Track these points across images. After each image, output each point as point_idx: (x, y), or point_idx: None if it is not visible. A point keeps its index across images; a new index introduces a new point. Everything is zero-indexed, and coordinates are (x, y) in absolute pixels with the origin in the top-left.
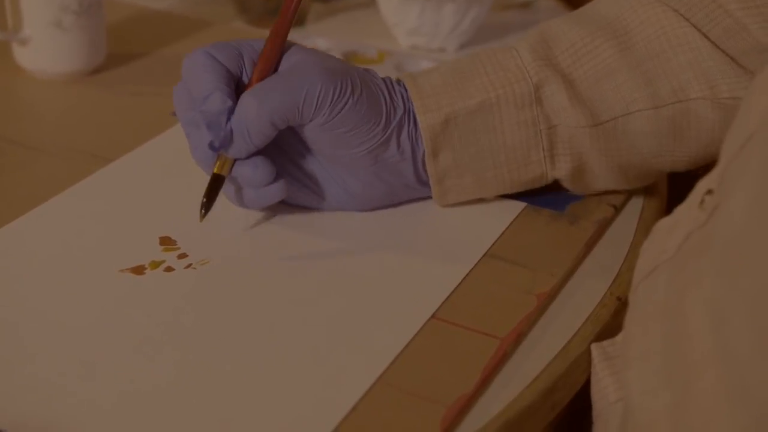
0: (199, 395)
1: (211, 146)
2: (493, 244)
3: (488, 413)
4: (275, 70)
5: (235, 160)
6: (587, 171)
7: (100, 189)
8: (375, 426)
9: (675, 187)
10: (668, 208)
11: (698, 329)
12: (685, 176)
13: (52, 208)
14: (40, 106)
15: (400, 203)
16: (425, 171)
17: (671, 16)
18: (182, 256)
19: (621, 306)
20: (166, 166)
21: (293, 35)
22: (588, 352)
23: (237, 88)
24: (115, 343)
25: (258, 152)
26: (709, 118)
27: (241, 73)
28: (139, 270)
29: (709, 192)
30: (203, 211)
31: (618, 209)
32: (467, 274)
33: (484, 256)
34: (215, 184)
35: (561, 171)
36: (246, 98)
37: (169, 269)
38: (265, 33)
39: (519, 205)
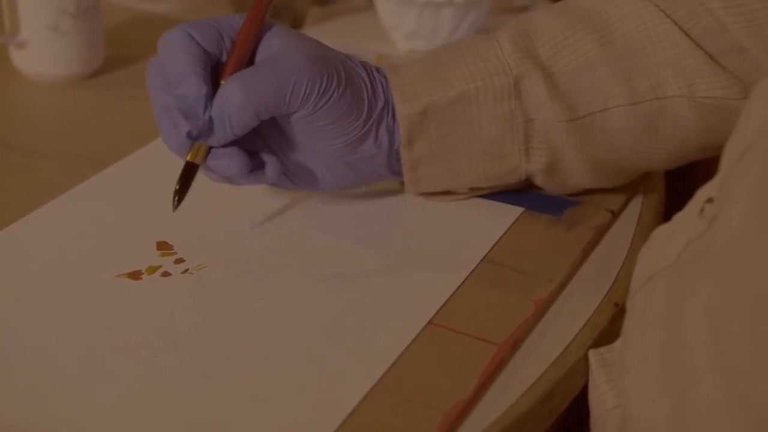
0: (196, 400)
1: (189, 135)
2: (491, 250)
3: (485, 419)
4: (254, 52)
5: (210, 148)
6: (562, 166)
7: (97, 193)
8: None
9: (673, 193)
10: (666, 214)
11: (696, 336)
12: (683, 182)
13: (48, 213)
14: (37, 110)
15: (398, 205)
16: (398, 161)
17: (653, 11)
18: (179, 261)
19: (619, 312)
20: (164, 170)
21: None
22: (586, 359)
23: (215, 69)
24: (113, 348)
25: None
26: (686, 116)
27: (221, 54)
28: (135, 275)
29: (710, 200)
30: (176, 200)
31: (616, 215)
32: (464, 280)
33: (481, 261)
34: (189, 173)
35: (536, 165)
36: (230, 86)
37: (165, 274)
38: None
39: (517, 211)
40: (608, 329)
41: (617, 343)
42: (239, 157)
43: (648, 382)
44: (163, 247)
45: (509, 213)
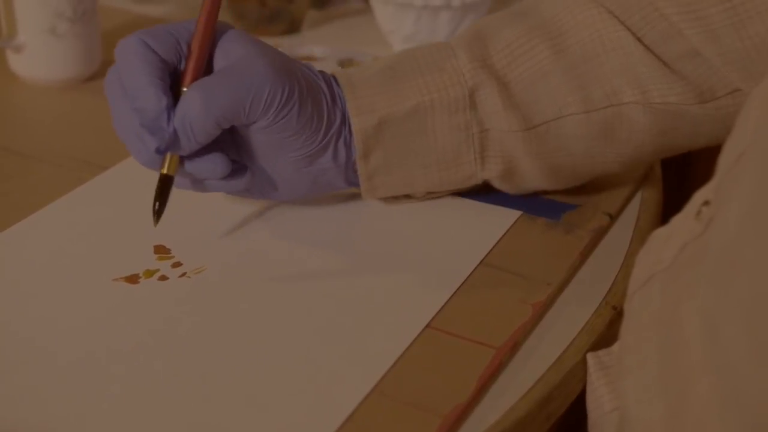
0: (194, 403)
1: (158, 151)
2: (489, 253)
3: (484, 423)
4: (210, 55)
5: (181, 157)
6: (518, 172)
7: (94, 197)
8: None
9: (671, 195)
10: (664, 217)
11: (693, 338)
12: (681, 185)
13: (46, 217)
14: (34, 114)
15: (396, 209)
16: (354, 173)
17: (606, 18)
18: (176, 264)
19: (617, 315)
20: None
21: (289, 42)
22: (584, 362)
23: (173, 76)
24: (110, 351)
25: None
26: (641, 121)
27: (179, 61)
28: (133, 279)
29: (706, 203)
30: (156, 216)
31: (614, 218)
32: (462, 283)
33: (479, 264)
34: (166, 185)
35: (491, 172)
36: (190, 94)
37: (163, 278)
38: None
39: (514, 214)
40: (606, 332)
41: (615, 346)
42: (222, 159)
43: (645, 384)
44: (161, 250)
45: (507, 216)
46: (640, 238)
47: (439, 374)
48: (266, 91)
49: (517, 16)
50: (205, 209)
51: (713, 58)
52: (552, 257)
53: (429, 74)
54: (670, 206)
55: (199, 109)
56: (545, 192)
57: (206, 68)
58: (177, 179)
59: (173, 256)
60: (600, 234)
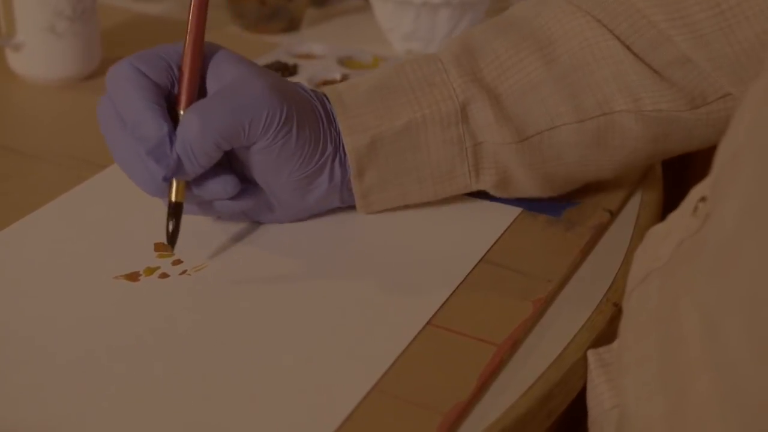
0: (194, 402)
1: (165, 179)
2: (489, 250)
3: (485, 421)
4: (202, 76)
5: (187, 182)
6: (512, 182)
7: (94, 195)
8: None
9: (671, 192)
10: (665, 213)
11: (691, 334)
12: (681, 181)
13: (46, 215)
14: (33, 112)
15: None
16: (349, 191)
17: (595, 27)
18: (177, 262)
19: (617, 312)
20: None
21: (289, 40)
22: (584, 359)
23: (168, 99)
24: (111, 349)
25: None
26: (633, 128)
27: (172, 84)
28: (133, 276)
29: (703, 199)
30: (172, 243)
31: (614, 215)
32: (463, 280)
33: (479, 261)
34: (177, 212)
35: (486, 183)
36: (188, 117)
37: (163, 276)
38: (260, 39)
39: (515, 211)
40: (607, 329)
41: (615, 344)
42: (231, 178)
43: (645, 382)
44: (161, 248)
45: (507, 213)
46: (640, 235)
47: (439, 372)
48: (265, 111)
49: (504, 27)
50: None
51: (703, 64)
52: (552, 254)
53: (419, 90)
54: (670, 203)
55: (198, 131)
56: None
57: (199, 90)
58: (185, 205)
59: (174, 254)
60: (600, 231)
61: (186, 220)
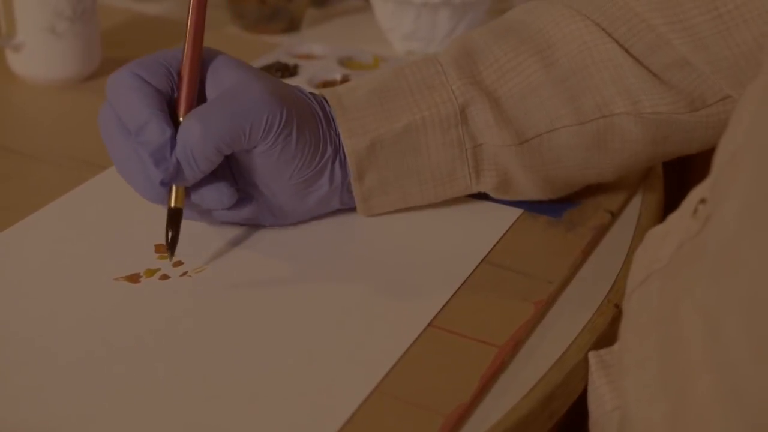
0: (195, 403)
1: (163, 183)
2: (490, 251)
3: (486, 422)
4: (201, 81)
5: (186, 188)
6: (512, 184)
7: (95, 196)
8: None
9: (672, 192)
10: (666, 214)
11: (692, 336)
12: (682, 181)
13: (47, 216)
14: (34, 113)
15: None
16: (349, 194)
17: (594, 31)
18: (178, 264)
19: (619, 313)
20: None
21: (289, 41)
22: (586, 361)
23: (169, 105)
24: (112, 351)
25: (212, 174)
26: (633, 131)
27: (173, 90)
28: (134, 278)
29: (702, 201)
30: (171, 250)
31: (615, 215)
32: (464, 282)
33: (481, 263)
34: (176, 218)
35: (486, 185)
36: (189, 122)
37: (164, 277)
38: (261, 39)
39: (516, 212)
40: (608, 331)
41: (617, 346)
42: (227, 188)
43: (646, 384)
44: (162, 249)
45: (508, 214)
46: (641, 236)
47: (441, 373)
48: (265, 114)
49: (503, 30)
50: None
51: (702, 67)
52: (554, 255)
53: (419, 92)
54: (671, 203)
55: (198, 136)
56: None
57: (199, 96)
58: (185, 211)
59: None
60: (601, 232)
61: (187, 221)
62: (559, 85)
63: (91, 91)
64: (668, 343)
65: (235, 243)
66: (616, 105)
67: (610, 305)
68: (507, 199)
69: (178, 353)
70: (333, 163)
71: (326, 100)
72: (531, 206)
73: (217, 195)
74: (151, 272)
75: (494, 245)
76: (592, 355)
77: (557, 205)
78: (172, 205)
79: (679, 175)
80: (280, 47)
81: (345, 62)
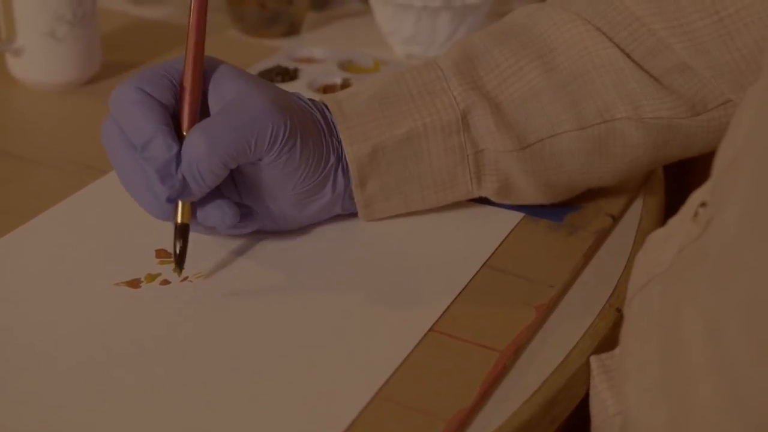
0: (195, 409)
1: (169, 200)
2: (491, 256)
3: (488, 427)
4: (204, 92)
5: (192, 203)
6: (514, 189)
7: (95, 201)
8: None
9: (673, 195)
10: (667, 218)
11: (694, 340)
12: (683, 184)
13: (46, 221)
14: (34, 117)
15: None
16: (351, 200)
17: (594, 35)
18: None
19: (620, 317)
20: None
21: (289, 44)
22: (587, 365)
23: (173, 118)
24: (112, 356)
25: (216, 190)
26: (634, 136)
27: (176, 101)
28: (134, 283)
29: (703, 204)
30: (180, 265)
31: (616, 219)
32: (465, 286)
33: (482, 267)
34: (184, 232)
35: (488, 190)
36: (193, 137)
37: (165, 282)
38: (261, 43)
39: (517, 216)
40: (610, 335)
41: (618, 350)
42: (230, 207)
43: (647, 388)
44: (162, 254)
45: (509, 218)
46: (642, 240)
47: (442, 378)
48: (269, 126)
49: (504, 35)
50: None
51: (703, 71)
52: (555, 259)
53: (420, 98)
54: (672, 207)
55: (204, 151)
56: None
57: (201, 107)
58: (195, 228)
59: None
60: (603, 235)
61: None
62: (560, 90)
63: (91, 95)
64: (669, 347)
65: (236, 248)
66: (617, 110)
67: (612, 309)
68: (508, 204)
69: (178, 358)
70: (336, 171)
71: (327, 107)
72: (532, 210)
73: (220, 215)
74: (151, 277)
75: (495, 249)
76: (593, 359)
77: (558, 209)
78: (179, 220)
79: (679, 178)
80: (281, 51)
81: (345, 66)
